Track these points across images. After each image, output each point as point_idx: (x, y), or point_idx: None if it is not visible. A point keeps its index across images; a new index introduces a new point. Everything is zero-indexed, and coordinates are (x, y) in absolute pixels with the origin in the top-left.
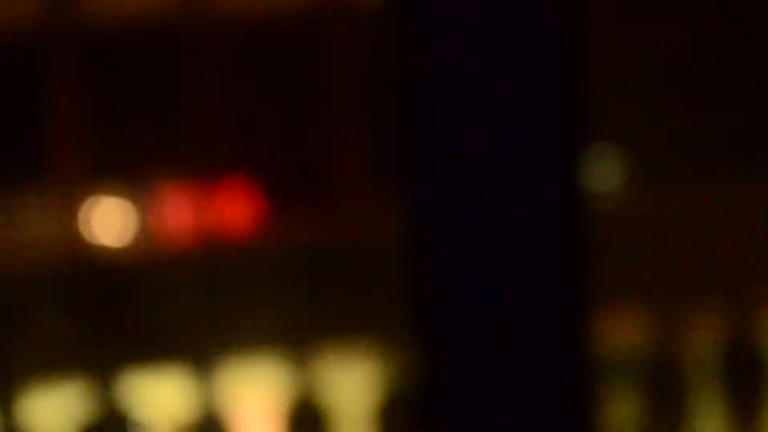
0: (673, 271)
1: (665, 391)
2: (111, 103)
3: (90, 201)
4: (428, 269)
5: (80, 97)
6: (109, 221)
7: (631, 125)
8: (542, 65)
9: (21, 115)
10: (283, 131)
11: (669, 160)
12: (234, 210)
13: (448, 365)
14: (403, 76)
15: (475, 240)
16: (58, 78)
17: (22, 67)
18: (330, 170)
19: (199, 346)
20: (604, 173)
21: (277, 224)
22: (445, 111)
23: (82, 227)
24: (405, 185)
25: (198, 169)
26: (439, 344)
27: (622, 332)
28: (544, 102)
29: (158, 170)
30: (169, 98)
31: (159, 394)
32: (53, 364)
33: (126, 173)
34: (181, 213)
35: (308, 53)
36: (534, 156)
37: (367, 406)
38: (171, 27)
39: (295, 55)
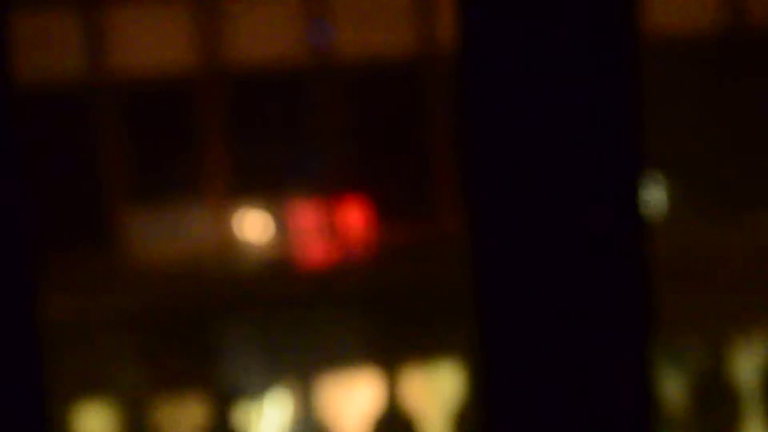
0: (724, 296)
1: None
2: (255, 133)
3: (237, 213)
4: (491, 292)
5: (229, 128)
6: (253, 230)
7: (675, 154)
8: (604, 95)
9: (182, 144)
10: (392, 156)
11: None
12: (353, 220)
13: (509, 383)
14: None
15: (539, 260)
16: (211, 112)
17: (182, 104)
18: (430, 187)
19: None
20: (654, 200)
21: (387, 231)
22: (509, 139)
23: (233, 234)
24: (473, 223)
25: (324, 188)
26: (500, 361)
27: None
28: (608, 131)
29: (292, 188)
30: (300, 129)
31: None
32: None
33: (266, 191)
34: (311, 222)
35: (412, 92)
36: (600, 187)
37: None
38: (301, 70)
39: (401, 93)
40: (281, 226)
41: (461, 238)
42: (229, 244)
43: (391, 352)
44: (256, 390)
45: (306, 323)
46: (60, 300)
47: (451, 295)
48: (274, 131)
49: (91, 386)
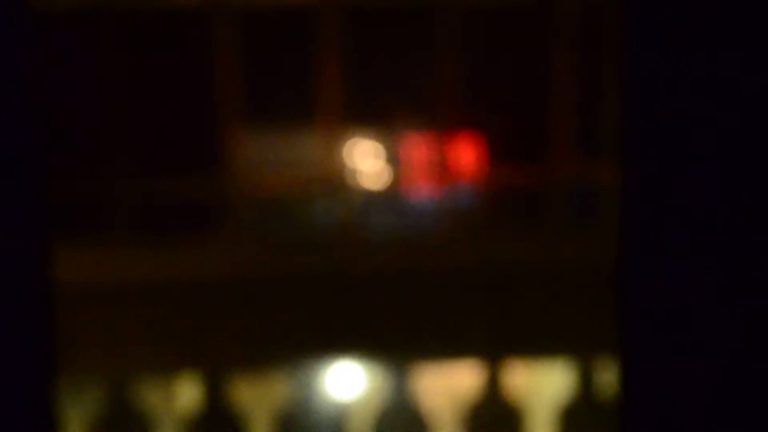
0: None
1: None
2: (369, 62)
3: (348, 143)
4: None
5: (342, 55)
6: (364, 160)
7: None
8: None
9: (300, 69)
10: (508, 96)
11: None
12: (464, 158)
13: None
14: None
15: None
16: (322, 39)
17: (296, 29)
18: (545, 133)
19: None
20: None
21: (497, 172)
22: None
23: (344, 164)
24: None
25: (436, 123)
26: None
27: None
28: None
29: (404, 121)
30: (416, 61)
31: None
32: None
33: (377, 122)
34: (421, 158)
35: (536, 29)
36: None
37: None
38: (418, 2)
39: (526, 29)
40: (393, 158)
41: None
42: (339, 174)
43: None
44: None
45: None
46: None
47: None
48: (391, 61)
49: None
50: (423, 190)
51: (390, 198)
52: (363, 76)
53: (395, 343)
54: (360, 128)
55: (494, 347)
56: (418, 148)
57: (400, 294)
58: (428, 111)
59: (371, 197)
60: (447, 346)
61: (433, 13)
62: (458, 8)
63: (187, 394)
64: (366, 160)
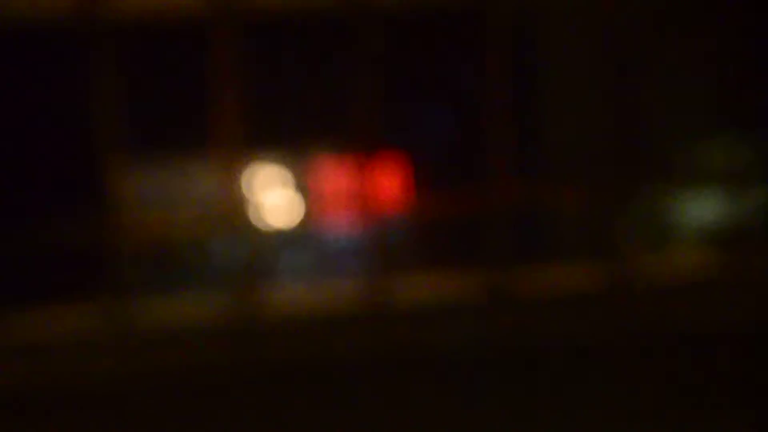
0: None
1: None
2: (273, 78)
3: (250, 169)
4: None
5: (239, 72)
6: (269, 192)
7: None
8: None
9: (190, 86)
10: (436, 113)
11: None
12: (387, 183)
13: None
14: None
15: None
16: (217, 55)
17: (186, 44)
18: (481, 154)
19: None
20: None
21: (425, 200)
22: None
23: (241, 192)
24: None
25: (354, 144)
26: None
27: None
28: None
29: (316, 143)
30: (330, 75)
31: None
32: None
33: (285, 144)
34: (336, 184)
35: (465, 41)
36: None
37: None
38: (332, 16)
39: (451, 41)
40: (301, 188)
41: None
42: (238, 210)
43: None
44: None
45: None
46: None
47: None
48: (299, 77)
49: None
50: (340, 225)
51: (300, 235)
52: (266, 95)
53: None
54: (263, 154)
55: None
56: (332, 175)
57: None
58: (344, 131)
59: (278, 235)
60: None
61: (349, 21)
62: (378, 15)
63: None
64: (271, 192)
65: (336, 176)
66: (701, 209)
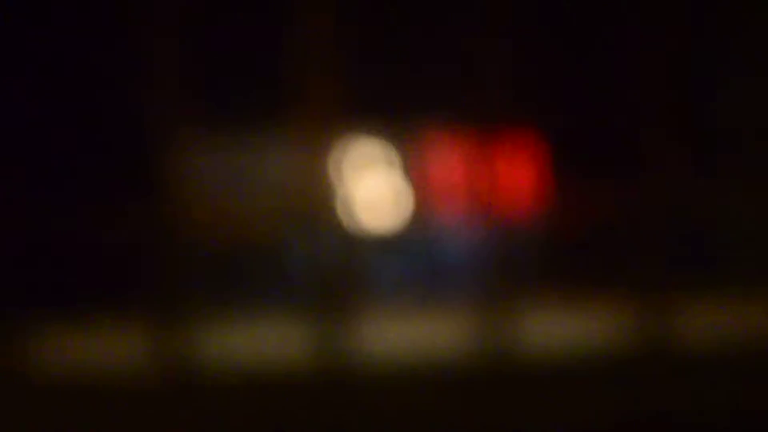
0: None
1: None
2: (375, 33)
3: (341, 144)
4: None
5: (336, 22)
6: (364, 176)
7: None
8: None
9: (267, 39)
10: (583, 83)
11: None
12: (514, 172)
13: None
14: None
15: None
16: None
17: None
18: (641, 142)
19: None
20: None
21: (566, 199)
22: None
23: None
24: None
25: (474, 118)
26: None
27: None
28: None
29: (425, 114)
30: (445, 31)
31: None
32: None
33: (386, 114)
34: (450, 169)
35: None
36: None
37: None
38: None
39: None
40: (408, 177)
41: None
42: (324, 204)
43: None
44: None
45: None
46: None
47: None
48: (406, 31)
49: None
50: (455, 227)
51: (404, 239)
52: (366, 57)
53: None
54: (359, 131)
55: None
56: (447, 161)
57: None
58: (463, 104)
59: (376, 240)
60: None
61: None
62: None
63: None
64: (367, 178)
65: (452, 162)
66: None
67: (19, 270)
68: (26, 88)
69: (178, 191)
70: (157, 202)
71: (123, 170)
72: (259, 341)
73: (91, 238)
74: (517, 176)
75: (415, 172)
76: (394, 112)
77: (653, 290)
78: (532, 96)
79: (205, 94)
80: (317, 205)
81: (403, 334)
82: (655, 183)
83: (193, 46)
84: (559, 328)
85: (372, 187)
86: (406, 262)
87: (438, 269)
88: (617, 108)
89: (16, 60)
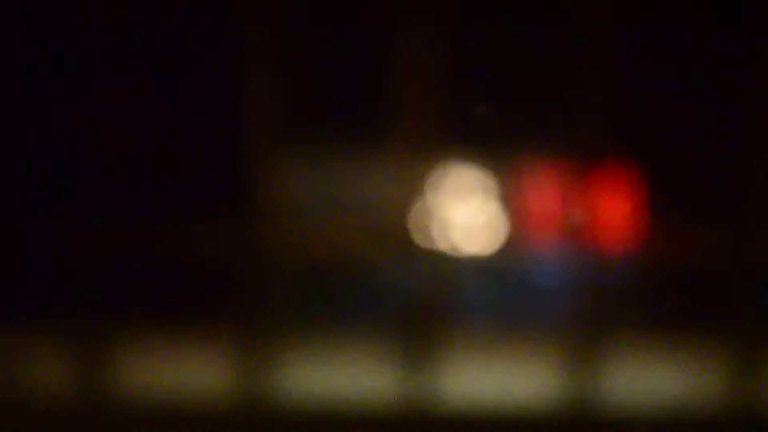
0: None
1: None
2: (479, 61)
3: (439, 168)
4: None
5: (437, 39)
6: (460, 205)
7: None
8: None
9: (371, 60)
10: (687, 112)
11: None
12: (610, 207)
13: None
14: None
15: None
16: (410, 23)
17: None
18: (739, 173)
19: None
20: None
21: (665, 236)
22: None
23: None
24: None
25: (574, 148)
26: None
27: None
28: None
29: (525, 143)
30: (548, 57)
31: None
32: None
33: (486, 141)
34: (546, 200)
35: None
36: None
37: None
38: None
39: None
40: (503, 204)
41: None
42: (418, 221)
43: None
44: None
45: None
46: None
47: None
48: (503, 53)
49: None
50: (547, 257)
51: (496, 268)
52: (463, 80)
53: None
54: (458, 152)
55: None
56: (543, 190)
57: None
58: (564, 131)
59: (466, 265)
60: None
61: None
62: None
63: None
64: (463, 205)
65: (549, 193)
66: None
67: (113, 290)
68: (122, 104)
69: (273, 209)
70: (250, 220)
71: (219, 187)
72: (343, 371)
73: (185, 257)
74: (615, 209)
75: (511, 201)
76: (494, 139)
77: (758, 339)
78: (632, 128)
79: (302, 110)
80: (411, 228)
81: (489, 367)
82: (761, 222)
83: (293, 61)
84: (648, 376)
85: (468, 213)
86: (497, 290)
87: (528, 300)
88: (721, 142)
89: (114, 73)
